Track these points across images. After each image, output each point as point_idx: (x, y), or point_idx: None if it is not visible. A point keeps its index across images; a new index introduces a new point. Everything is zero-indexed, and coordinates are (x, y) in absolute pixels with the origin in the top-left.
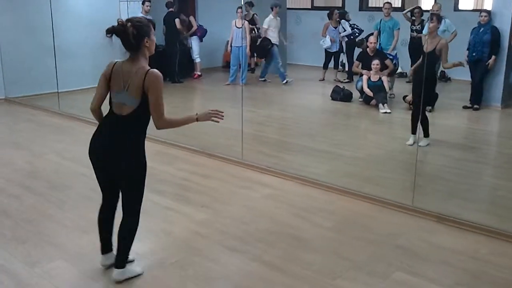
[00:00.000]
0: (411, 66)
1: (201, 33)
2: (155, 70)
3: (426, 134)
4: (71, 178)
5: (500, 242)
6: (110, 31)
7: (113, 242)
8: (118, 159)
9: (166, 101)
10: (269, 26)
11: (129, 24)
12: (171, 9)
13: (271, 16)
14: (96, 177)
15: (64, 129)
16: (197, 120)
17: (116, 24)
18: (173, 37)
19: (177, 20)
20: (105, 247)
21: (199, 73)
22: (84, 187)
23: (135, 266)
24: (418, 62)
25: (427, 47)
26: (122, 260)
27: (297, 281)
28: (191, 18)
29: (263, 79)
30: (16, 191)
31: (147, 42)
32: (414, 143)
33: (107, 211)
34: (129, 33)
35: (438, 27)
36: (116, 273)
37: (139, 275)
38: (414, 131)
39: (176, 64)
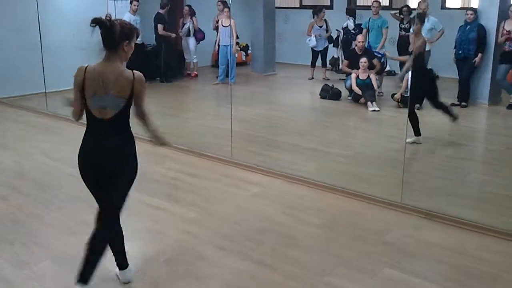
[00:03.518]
0: (399, 65)
1: (200, 36)
2: (139, 73)
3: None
4: (59, 179)
5: (487, 238)
6: (96, 22)
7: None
8: (116, 162)
9: (155, 101)
10: None
11: (117, 21)
12: (160, 11)
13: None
14: (90, 188)
15: (51, 129)
16: (155, 137)
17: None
18: (159, 37)
19: (159, 26)
20: (123, 262)
21: (195, 72)
22: (72, 187)
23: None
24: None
25: (414, 47)
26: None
27: (287, 278)
28: (194, 19)
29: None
30: (3, 192)
31: (126, 45)
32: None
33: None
34: (113, 30)
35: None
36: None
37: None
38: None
39: (164, 64)
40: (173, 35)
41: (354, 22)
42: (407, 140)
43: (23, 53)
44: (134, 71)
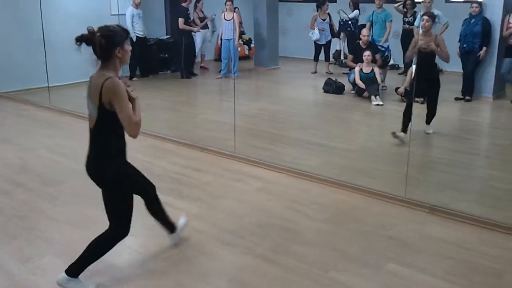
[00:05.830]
0: (403, 58)
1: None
2: (111, 79)
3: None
4: (63, 173)
5: (491, 233)
6: (79, 40)
7: (174, 222)
8: (96, 174)
9: (158, 95)
10: None
11: (98, 34)
12: (183, 4)
13: None
14: None
15: (55, 124)
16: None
17: (86, 32)
18: (180, 31)
19: (180, 20)
20: (169, 228)
21: (203, 65)
22: (76, 182)
23: (90, 284)
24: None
25: (423, 45)
26: (79, 267)
27: (291, 273)
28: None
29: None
30: (7, 187)
31: (119, 52)
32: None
33: (150, 207)
34: (96, 43)
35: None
36: (61, 278)
37: None
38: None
39: (184, 59)
40: (195, 29)
41: (358, 14)
42: (430, 131)
43: (26, 47)
44: (108, 79)
